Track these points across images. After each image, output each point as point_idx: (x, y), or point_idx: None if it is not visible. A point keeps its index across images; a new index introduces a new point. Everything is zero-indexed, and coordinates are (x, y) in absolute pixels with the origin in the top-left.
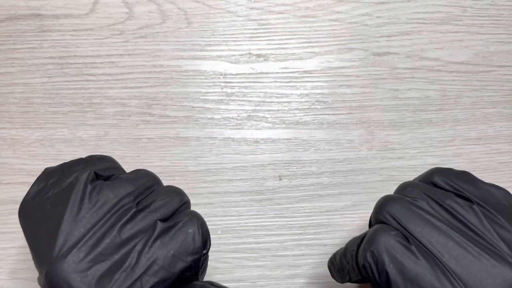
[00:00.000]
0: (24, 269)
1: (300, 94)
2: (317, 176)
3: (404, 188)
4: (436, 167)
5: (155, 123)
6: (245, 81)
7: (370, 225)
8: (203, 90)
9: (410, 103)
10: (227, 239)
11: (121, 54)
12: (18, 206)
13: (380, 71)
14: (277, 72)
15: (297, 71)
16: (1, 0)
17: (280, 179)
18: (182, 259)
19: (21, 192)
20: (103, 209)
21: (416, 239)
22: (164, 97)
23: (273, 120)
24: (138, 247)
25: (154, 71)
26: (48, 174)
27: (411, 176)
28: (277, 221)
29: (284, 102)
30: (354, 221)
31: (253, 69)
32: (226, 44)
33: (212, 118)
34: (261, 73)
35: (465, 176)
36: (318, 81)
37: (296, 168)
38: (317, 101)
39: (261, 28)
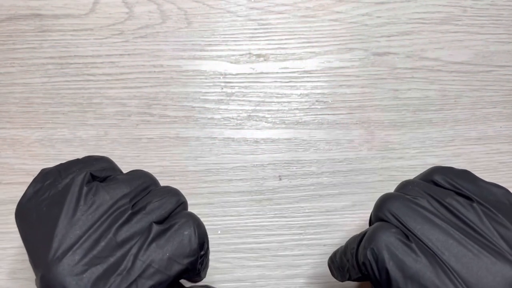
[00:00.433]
0: (24, 269)
1: (300, 94)
2: (317, 176)
3: (404, 186)
4: (436, 166)
5: (155, 123)
6: (245, 81)
7: (370, 223)
8: (203, 90)
9: (410, 103)
10: (227, 239)
11: (121, 54)
12: None
13: (380, 71)
14: (277, 72)
15: (297, 71)
16: (1, 0)
17: (280, 179)
18: (178, 262)
19: (21, 192)
20: (98, 211)
21: (416, 236)
22: (164, 97)
23: (273, 120)
24: (134, 250)
25: (154, 71)
26: (45, 175)
27: (411, 176)
28: (277, 221)
29: (284, 102)
30: (354, 221)
31: (253, 69)
32: (226, 44)
33: (212, 118)
34: (261, 73)
35: (465, 175)
36: (318, 81)
37: (296, 168)
38: (317, 101)
39: (261, 28)
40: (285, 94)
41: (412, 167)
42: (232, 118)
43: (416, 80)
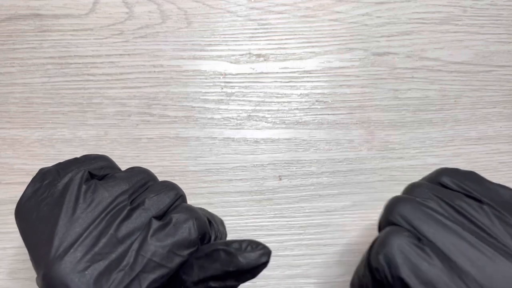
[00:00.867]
0: (24, 269)
1: (300, 94)
2: (317, 176)
3: (412, 189)
4: (442, 168)
5: (155, 123)
6: (245, 81)
7: (380, 228)
8: (203, 90)
9: (410, 103)
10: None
11: (121, 54)
12: None
13: (380, 71)
14: (277, 72)
15: (297, 71)
16: (1, 0)
17: (280, 179)
18: (178, 254)
19: (21, 192)
20: (98, 208)
21: (429, 240)
22: (164, 97)
23: (273, 120)
24: (135, 246)
25: (154, 71)
26: (43, 175)
27: (411, 176)
28: (277, 221)
29: (284, 102)
30: (354, 221)
31: (253, 69)
32: (226, 44)
33: (212, 118)
34: (261, 73)
35: (472, 176)
36: (318, 81)
37: (296, 168)
38: (317, 101)
39: (261, 28)
40: (285, 94)
41: (412, 167)
42: (232, 118)
43: (416, 80)
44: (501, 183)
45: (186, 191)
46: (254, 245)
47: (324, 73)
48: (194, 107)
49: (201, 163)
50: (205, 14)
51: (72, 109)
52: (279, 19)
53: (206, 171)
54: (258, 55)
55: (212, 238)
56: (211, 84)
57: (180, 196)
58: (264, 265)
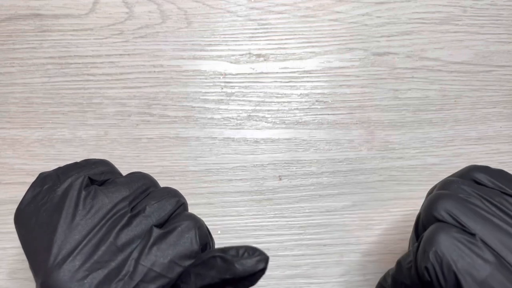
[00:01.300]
0: (24, 269)
1: (300, 94)
2: (317, 176)
3: (449, 185)
4: (473, 165)
5: (155, 123)
6: (245, 81)
7: (418, 225)
8: (203, 90)
9: (410, 103)
10: (227, 239)
11: (121, 54)
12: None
13: (380, 71)
14: (277, 72)
15: (297, 71)
16: (1, 0)
17: (280, 179)
18: (179, 264)
19: (21, 192)
20: (98, 215)
21: (477, 237)
22: (164, 97)
23: (273, 120)
24: (135, 254)
25: (154, 71)
26: (43, 180)
27: (411, 176)
28: (277, 221)
29: (284, 102)
30: (354, 221)
31: (253, 69)
32: (226, 44)
33: (212, 118)
34: (261, 73)
35: (504, 174)
36: (318, 81)
37: (296, 168)
38: (317, 101)
39: (261, 28)
40: (285, 94)
41: (412, 167)
42: (232, 118)
43: (416, 80)
44: None
45: (186, 191)
46: (251, 251)
47: (324, 73)
48: (194, 107)
49: (201, 163)
50: (205, 14)
51: (72, 109)
52: (279, 19)
53: (206, 171)
54: (258, 55)
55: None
56: (211, 84)
57: (181, 204)
58: (261, 271)
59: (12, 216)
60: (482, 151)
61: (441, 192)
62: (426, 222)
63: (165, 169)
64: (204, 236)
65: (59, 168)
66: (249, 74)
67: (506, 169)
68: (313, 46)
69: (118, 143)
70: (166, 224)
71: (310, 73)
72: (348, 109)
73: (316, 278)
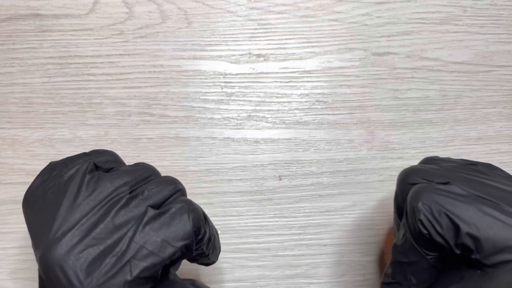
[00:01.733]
0: (24, 269)
1: (300, 94)
2: (317, 176)
3: (415, 165)
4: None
5: (155, 123)
6: (245, 81)
7: (398, 203)
8: (203, 90)
9: (410, 103)
10: (227, 239)
11: (121, 54)
12: (18, 206)
13: (380, 71)
14: (277, 72)
15: (297, 71)
16: (1, 0)
17: (280, 179)
18: (171, 244)
19: (21, 192)
20: (99, 197)
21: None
22: (164, 97)
23: (273, 120)
24: (130, 233)
25: (154, 71)
26: (52, 167)
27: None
28: (277, 221)
29: (284, 102)
30: (354, 221)
31: (253, 69)
32: (226, 44)
33: (212, 118)
34: (261, 73)
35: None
36: (318, 81)
37: (296, 168)
38: (317, 101)
39: (261, 28)
40: (285, 94)
41: None
42: (232, 118)
43: (416, 80)
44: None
45: (186, 191)
46: None
47: (324, 73)
48: (194, 107)
49: (201, 163)
50: (205, 14)
51: (72, 109)
52: (279, 19)
53: (206, 171)
54: (258, 55)
55: (206, 236)
56: (211, 84)
57: (179, 190)
58: None
59: (12, 216)
60: (482, 151)
61: (409, 167)
62: (403, 193)
63: (165, 169)
64: (198, 219)
65: (68, 157)
66: (249, 74)
67: (506, 169)
68: (313, 46)
69: (118, 143)
70: (162, 207)
71: (310, 73)
72: (348, 109)
73: (316, 278)
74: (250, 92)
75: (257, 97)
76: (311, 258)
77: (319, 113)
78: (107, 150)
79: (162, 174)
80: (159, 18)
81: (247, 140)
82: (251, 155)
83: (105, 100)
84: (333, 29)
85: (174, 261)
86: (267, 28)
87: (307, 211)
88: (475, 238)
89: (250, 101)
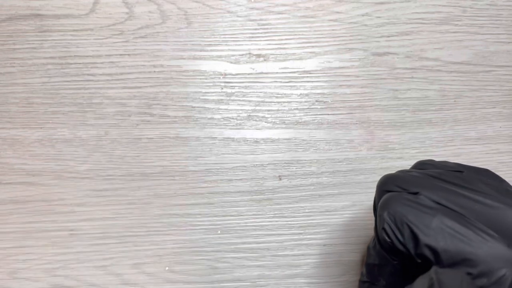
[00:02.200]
0: (24, 269)
1: (300, 94)
2: (317, 176)
3: (395, 173)
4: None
5: (155, 123)
6: (245, 81)
7: (375, 205)
8: (203, 90)
9: (409, 103)
10: (227, 239)
11: (121, 54)
12: (18, 206)
13: (380, 71)
14: (277, 72)
15: (297, 71)
16: (1, 0)
17: (280, 179)
18: None
19: (21, 192)
20: None
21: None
22: (164, 97)
23: (273, 120)
24: None
25: (154, 71)
26: None
27: None
28: (276, 221)
29: (284, 102)
30: (354, 221)
31: (253, 69)
32: (226, 44)
33: (212, 118)
34: (261, 73)
35: (446, 162)
36: (318, 81)
37: (296, 168)
38: (317, 101)
39: (261, 28)
40: (285, 94)
41: None
42: (232, 118)
43: (415, 80)
44: (504, 179)
45: (186, 191)
46: None
47: (324, 73)
48: (194, 107)
49: (201, 163)
50: (205, 14)
51: (72, 109)
52: (279, 20)
53: (206, 171)
54: (258, 55)
55: None
56: (211, 84)
57: None
58: None
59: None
60: (482, 151)
61: (388, 174)
62: (379, 199)
63: (165, 169)
64: None
65: None
66: (249, 74)
67: (505, 169)
68: (313, 46)
69: (118, 143)
70: None
71: (310, 73)
72: (348, 109)
73: (316, 278)
74: (250, 92)
75: (257, 97)
76: (311, 258)
77: (319, 113)
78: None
79: (163, 174)
80: (159, 18)
81: (247, 140)
82: (251, 155)
83: (105, 100)
84: (333, 29)
85: None
86: (267, 28)
87: (307, 211)
88: (433, 250)
89: (250, 101)
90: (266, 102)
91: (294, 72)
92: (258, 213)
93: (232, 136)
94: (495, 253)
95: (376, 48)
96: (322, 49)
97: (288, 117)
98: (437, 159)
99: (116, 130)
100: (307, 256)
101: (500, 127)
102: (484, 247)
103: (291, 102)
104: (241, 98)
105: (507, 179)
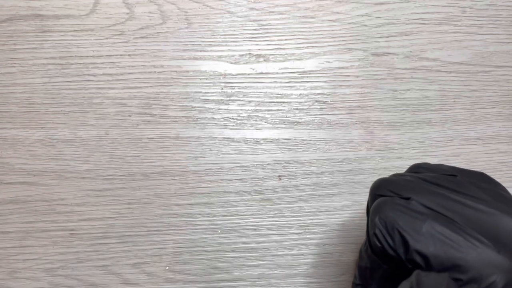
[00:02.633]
0: (24, 269)
1: (300, 94)
2: (317, 176)
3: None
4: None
5: (156, 123)
6: (245, 81)
7: (368, 209)
8: (203, 90)
9: (409, 103)
10: (227, 238)
11: (121, 55)
12: (18, 205)
13: (380, 72)
14: (276, 73)
15: (297, 72)
16: (2, 0)
17: (280, 179)
18: None
19: (22, 192)
20: None
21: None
22: (164, 97)
23: (273, 120)
24: None
25: (155, 72)
26: None
27: None
28: (276, 221)
29: (284, 102)
30: (354, 220)
31: (253, 69)
32: (226, 45)
33: (212, 118)
34: (261, 73)
35: (440, 165)
36: (317, 81)
37: (296, 168)
38: (316, 101)
39: (261, 29)
40: (284, 94)
41: None
42: (232, 118)
43: (415, 80)
44: (500, 183)
45: (186, 190)
46: None
47: (323, 73)
48: (195, 107)
49: (201, 163)
50: (205, 14)
51: (73, 109)
52: (279, 20)
53: (206, 171)
54: (258, 56)
55: None
56: (211, 84)
57: None
58: None
59: (13, 216)
60: (481, 151)
61: (381, 178)
62: (372, 203)
63: (166, 169)
64: None
65: None
66: (249, 74)
67: (505, 169)
68: (312, 47)
69: (118, 143)
70: None
71: (309, 74)
72: (347, 109)
73: (316, 277)
74: (250, 92)
75: (257, 97)
76: (311, 257)
77: (318, 113)
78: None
79: (163, 174)
80: (160, 18)
81: (247, 140)
82: (251, 155)
83: (106, 100)
84: (332, 30)
85: None
86: (267, 29)
87: (306, 210)
88: (423, 255)
89: (250, 101)
90: (266, 102)
91: (294, 72)
92: (258, 213)
93: (232, 136)
94: (485, 259)
95: (376, 48)
96: (322, 50)
97: (288, 117)
98: (436, 159)
99: (116, 130)
100: (306, 256)
101: (500, 127)
102: (474, 253)
103: (291, 102)
104: (241, 98)
105: (506, 179)
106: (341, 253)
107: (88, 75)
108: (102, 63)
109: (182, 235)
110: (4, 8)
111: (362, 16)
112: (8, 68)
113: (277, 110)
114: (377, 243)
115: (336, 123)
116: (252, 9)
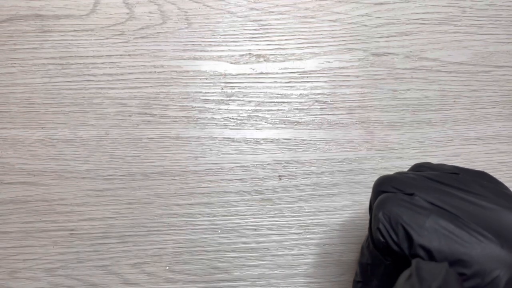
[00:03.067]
0: (24, 269)
1: (300, 94)
2: (317, 176)
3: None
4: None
5: (156, 123)
6: (245, 81)
7: (371, 206)
8: (203, 91)
9: (409, 103)
10: (227, 238)
11: (121, 55)
12: (18, 206)
13: (380, 72)
14: (277, 73)
15: (297, 72)
16: (2, 0)
17: (280, 179)
18: None
19: (22, 192)
20: None
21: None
22: (164, 97)
23: (273, 120)
24: None
25: (155, 72)
26: None
27: None
28: (277, 221)
29: (284, 102)
30: (354, 220)
31: (253, 69)
32: (226, 45)
33: (212, 118)
34: (261, 73)
35: (442, 164)
36: (317, 81)
37: (296, 168)
38: (316, 101)
39: (261, 29)
40: (285, 94)
41: None
42: (232, 118)
43: (415, 81)
44: (502, 182)
45: (186, 190)
46: None
47: (323, 73)
48: (195, 107)
49: (202, 163)
50: (205, 14)
51: (73, 109)
52: (279, 20)
53: (207, 171)
54: (258, 56)
55: None
56: (212, 84)
57: None
58: None
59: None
60: (481, 151)
61: (384, 175)
62: (375, 199)
63: (166, 169)
64: None
65: None
66: (249, 74)
67: (505, 169)
68: (312, 47)
69: (118, 143)
70: None
71: (309, 74)
72: (347, 109)
73: (316, 277)
74: (250, 92)
75: (257, 97)
76: (311, 257)
77: (318, 113)
78: None
79: (163, 174)
80: (160, 18)
81: (247, 140)
82: (251, 155)
83: (106, 100)
84: (332, 30)
85: None
86: (267, 29)
87: (306, 210)
88: (427, 250)
89: (250, 101)
90: (266, 102)
91: (294, 72)
92: (258, 213)
93: (232, 136)
94: (489, 254)
95: (376, 48)
96: (322, 50)
97: (288, 117)
98: (436, 159)
99: (116, 130)
100: (306, 256)
101: (500, 127)
102: (478, 248)
103: (291, 102)
104: (241, 98)
105: (506, 179)
106: (341, 253)
107: (88, 75)
108: (102, 63)
109: (182, 235)
110: (4, 8)
111: (362, 16)
112: (8, 68)
113: (277, 110)
114: (381, 238)
115: (336, 123)
116: (252, 9)
